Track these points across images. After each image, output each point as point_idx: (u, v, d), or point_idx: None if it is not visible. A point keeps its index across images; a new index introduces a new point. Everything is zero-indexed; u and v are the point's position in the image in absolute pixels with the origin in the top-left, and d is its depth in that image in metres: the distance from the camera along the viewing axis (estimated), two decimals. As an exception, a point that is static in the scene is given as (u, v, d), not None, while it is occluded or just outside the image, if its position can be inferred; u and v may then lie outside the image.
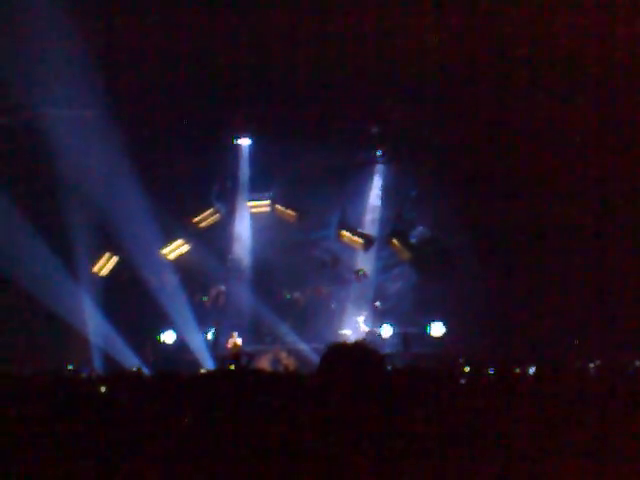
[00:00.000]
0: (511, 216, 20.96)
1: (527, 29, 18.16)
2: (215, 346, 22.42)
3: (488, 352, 19.04)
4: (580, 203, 20.26)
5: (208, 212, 22.97)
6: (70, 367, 19.29)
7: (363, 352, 3.37)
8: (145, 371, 14.71)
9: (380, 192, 23.60)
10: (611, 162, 19.38)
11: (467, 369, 13.32)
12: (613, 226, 19.89)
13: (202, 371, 16.89)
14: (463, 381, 8.38)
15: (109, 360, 20.82)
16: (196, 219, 22.78)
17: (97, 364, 20.75)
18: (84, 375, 13.94)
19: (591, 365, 12.79)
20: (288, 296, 23.28)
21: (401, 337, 22.53)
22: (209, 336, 22.64)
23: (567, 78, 18.81)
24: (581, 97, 18.92)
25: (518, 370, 10.85)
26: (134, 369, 18.01)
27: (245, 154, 23.34)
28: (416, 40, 19.01)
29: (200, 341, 22.34)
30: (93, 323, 21.32)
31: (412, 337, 22.54)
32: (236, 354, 20.49)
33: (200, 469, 4.52)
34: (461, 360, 16.33)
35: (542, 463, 5.26)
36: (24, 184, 21.01)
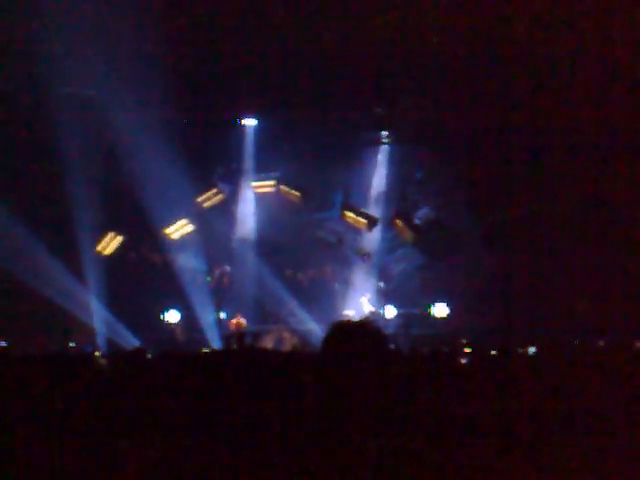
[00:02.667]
0: (516, 197, 20.94)
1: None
2: (220, 326, 22.47)
3: (491, 333, 19.07)
4: (586, 185, 20.21)
5: (212, 192, 22.97)
6: (72, 344, 19.37)
7: (366, 331, 3.37)
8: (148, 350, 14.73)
9: (385, 173, 23.56)
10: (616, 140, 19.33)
11: (469, 350, 13.37)
12: (618, 208, 19.84)
13: (204, 350, 16.94)
14: (464, 361, 8.40)
15: (112, 339, 20.90)
16: (200, 199, 22.78)
17: (100, 343, 20.82)
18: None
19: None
20: (293, 276, 23.30)
21: (402, 318, 22.56)
22: (213, 316, 22.68)
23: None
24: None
25: (521, 350, 10.88)
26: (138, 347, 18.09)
27: (250, 134, 23.30)
28: (423, 19, 18.93)
29: (204, 320, 22.40)
30: (97, 302, 21.37)
31: (415, 318, 22.60)
32: (240, 334, 20.57)
33: (200, 447, 4.54)
34: (464, 341, 16.38)
35: (543, 444, 5.27)
36: (28, 161, 21.01)
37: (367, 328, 3.40)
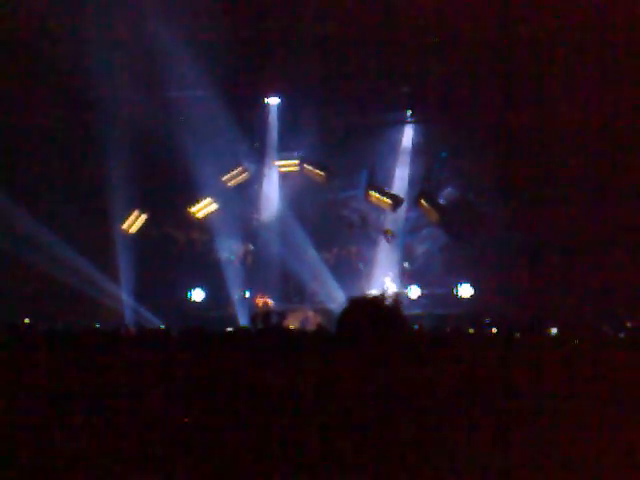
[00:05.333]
0: (542, 176, 20.81)
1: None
2: (245, 304, 22.54)
3: (516, 314, 19.00)
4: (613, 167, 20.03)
5: (237, 171, 22.99)
6: (97, 325, 19.50)
7: (381, 308, 3.38)
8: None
9: (409, 153, 23.45)
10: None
11: (494, 330, 13.34)
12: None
13: (228, 329, 16.97)
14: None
15: (138, 318, 21.04)
16: (225, 178, 22.81)
17: (129, 321, 20.97)
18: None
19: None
20: (317, 255, 23.29)
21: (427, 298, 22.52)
22: (238, 294, 22.75)
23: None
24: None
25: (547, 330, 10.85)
26: (162, 326, 18.23)
27: (274, 113, 23.27)
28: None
29: (229, 299, 22.50)
30: (124, 280, 21.52)
31: (439, 298, 22.57)
32: (266, 312, 20.62)
33: (219, 424, 4.57)
34: (488, 321, 16.32)
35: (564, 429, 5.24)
36: (58, 141, 21.15)
37: (380, 304, 3.42)
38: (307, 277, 22.60)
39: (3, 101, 20.32)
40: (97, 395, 4.99)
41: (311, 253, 22.87)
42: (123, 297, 21.49)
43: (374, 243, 23.58)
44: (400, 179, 23.44)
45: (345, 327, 3.42)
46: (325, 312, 21.85)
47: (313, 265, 22.75)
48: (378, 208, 23.30)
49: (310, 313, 22.22)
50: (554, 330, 10.69)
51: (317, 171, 22.95)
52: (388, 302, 3.63)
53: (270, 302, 22.17)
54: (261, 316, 20.13)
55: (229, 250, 23.31)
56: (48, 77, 20.44)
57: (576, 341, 7.14)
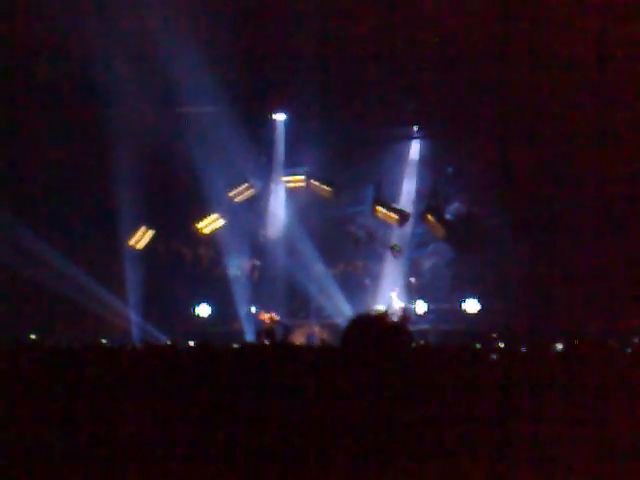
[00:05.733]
0: (548, 194, 20.80)
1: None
2: (250, 320, 22.54)
3: (522, 330, 18.96)
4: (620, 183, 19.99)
5: (243, 187, 23.02)
6: (104, 340, 19.49)
7: (385, 325, 3.38)
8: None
9: (416, 168, 23.48)
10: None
11: (502, 345, 13.30)
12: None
13: (234, 345, 16.95)
14: (495, 357, 8.34)
15: (145, 334, 21.05)
16: (231, 193, 22.85)
17: (135, 337, 20.97)
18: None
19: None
20: (324, 271, 23.27)
21: (434, 314, 22.47)
22: (244, 310, 22.75)
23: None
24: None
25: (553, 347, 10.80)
26: (168, 342, 18.22)
27: (281, 129, 23.33)
28: (454, 15, 18.85)
29: (235, 315, 22.50)
30: (130, 296, 21.53)
31: (446, 314, 22.52)
32: (271, 329, 20.65)
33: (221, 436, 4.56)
34: (494, 336, 16.29)
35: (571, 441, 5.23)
36: (64, 156, 21.23)
37: (385, 321, 3.41)
38: (313, 292, 22.60)
39: (10, 115, 20.44)
40: (101, 415, 4.99)
41: (318, 268, 22.86)
42: (129, 313, 21.49)
43: (380, 258, 23.58)
44: (407, 194, 23.45)
45: (349, 343, 3.42)
46: (331, 327, 21.83)
47: (319, 280, 22.74)
48: (385, 223, 23.30)
49: (316, 328, 22.21)
50: (559, 346, 10.66)
51: (324, 187, 22.98)
52: (395, 318, 3.64)
53: (276, 317, 22.17)
54: (266, 332, 20.19)
55: (236, 266, 23.32)
56: (56, 91, 20.55)
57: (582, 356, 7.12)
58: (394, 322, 3.42)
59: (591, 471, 4.70)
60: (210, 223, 22.93)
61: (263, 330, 20.75)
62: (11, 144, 20.89)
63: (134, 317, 21.50)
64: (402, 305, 22.59)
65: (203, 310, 22.85)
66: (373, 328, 3.40)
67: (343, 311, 21.89)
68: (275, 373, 5.39)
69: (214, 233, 23.00)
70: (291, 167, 23.39)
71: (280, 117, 23.19)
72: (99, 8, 18.54)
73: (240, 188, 22.97)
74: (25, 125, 20.71)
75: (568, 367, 5.93)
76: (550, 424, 5.11)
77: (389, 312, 3.75)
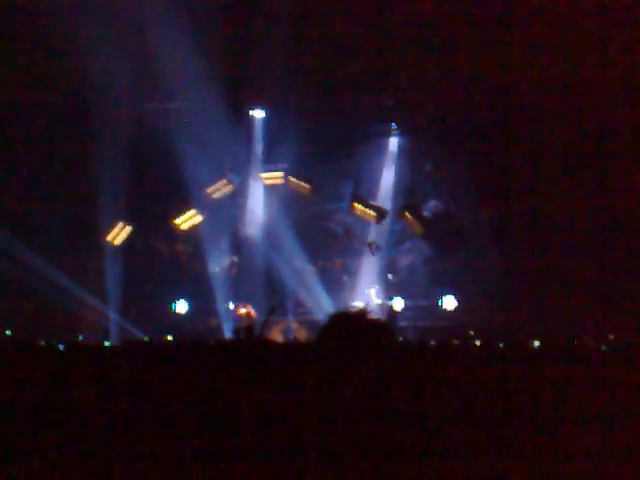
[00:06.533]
0: (524, 191, 20.88)
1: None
2: (228, 316, 22.51)
3: (499, 326, 19.05)
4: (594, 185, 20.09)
5: (221, 183, 22.97)
6: (80, 338, 19.42)
7: (363, 322, 3.38)
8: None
9: (394, 165, 23.50)
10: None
11: (478, 342, 13.37)
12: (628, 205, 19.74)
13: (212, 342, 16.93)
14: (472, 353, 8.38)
15: (122, 330, 20.98)
16: (209, 189, 22.79)
17: (113, 334, 20.90)
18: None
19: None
20: (301, 267, 23.27)
21: (387, 310, 22.49)
22: (222, 306, 22.71)
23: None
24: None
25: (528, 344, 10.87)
26: (145, 339, 18.17)
27: (259, 126, 23.30)
28: (432, 10, 18.88)
29: (213, 311, 22.46)
30: (107, 293, 21.44)
31: (423, 310, 22.58)
32: (249, 325, 20.59)
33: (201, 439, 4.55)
34: (472, 333, 16.36)
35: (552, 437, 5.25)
36: (44, 150, 21.09)
37: (363, 319, 3.41)
38: (291, 289, 22.59)
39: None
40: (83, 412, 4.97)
41: (295, 265, 22.85)
42: (106, 310, 21.40)
43: (358, 255, 23.60)
44: (384, 191, 23.48)
45: (325, 341, 3.41)
46: (309, 323, 21.85)
47: (297, 277, 22.74)
48: (362, 220, 23.33)
49: (294, 324, 22.21)
50: (536, 343, 10.72)
51: (302, 183, 22.97)
52: (381, 316, 3.64)
53: (253, 313, 22.15)
54: (244, 328, 20.16)
55: (213, 262, 23.27)
56: (39, 83, 20.41)
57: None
58: (376, 319, 3.42)
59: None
60: (188, 219, 22.87)
61: (241, 327, 20.71)
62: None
63: (111, 314, 21.41)
64: (380, 302, 22.64)
65: (181, 306, 22.79)
66: (353, 325, 3.40)
67: (321, 307, 21.90)
68: (251, 368, 5.39)
69: (192, 229, 22.94)
70: (269, 163, 23.36)
71: (258, 114, 23.15)
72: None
73: (218, 184, 22.91)
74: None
75: (543, 365, 5.97)
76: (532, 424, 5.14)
77: (369, 309, 3.74)
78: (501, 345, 10.16)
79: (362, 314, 3.47)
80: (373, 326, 3.41)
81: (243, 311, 22.24)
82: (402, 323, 21.52)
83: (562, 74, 18.96)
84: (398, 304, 22.73)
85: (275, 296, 22.77)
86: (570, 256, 20.13)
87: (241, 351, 6.08)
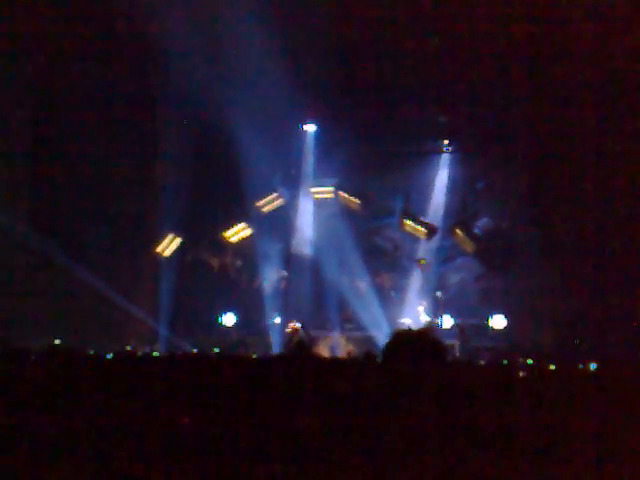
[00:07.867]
0: (578, 212, 20.60)
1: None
2: (276, 330, 22.50)
3: (550, 347, 18.76)
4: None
5: (272, 197, 23.03)
6: (129, 348, 19.55)
7: (426, 341, 3.32)
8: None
9: (445, 182, 23.38)
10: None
11: (529, 361, 13.15)
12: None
13: (254, 356, 16.93)
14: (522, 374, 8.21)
15: (171, 342, 21.06)
16: (259, 203, 22.85)
17: (161, 345, 20.99)
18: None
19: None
20: (350, 283, 23.18)
21: (457, 328, 22.25)
22: (270, 320, 22.71)
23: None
24: None
25: (581, 366, 10.64)
26: (194, 351, 18.22)
27: (310, 140, 23.35)
28: (486, 30, 18.76)
29: (260, 324, 22.47)
30: (156, 304, 21.56)
31: (472, 329, 22.33)
32: (299, 341, 20.54)
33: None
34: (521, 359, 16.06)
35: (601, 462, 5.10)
36: (89, 165, 21.29)
37: (427, 338, 3.35)
38: (339, 304, 22.50)
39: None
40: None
41: (344, 280, 22.78)
42: (155, 321, 21.50)
43: (407, 271, 23.47)
44: (435, 208, 23.35)
45: (390, 359, 3.35)
46: (357, 339, 21.74)
47: (346, 292, 22.66)
48: (412, 237, 23.20)
49: (341, 340, 22.11)
50: (593, 365, 10.49)
51: (352, 198, 22.93)
52: (432, 336, 3.57)
53: (298, 328, 22.10)
54: (294, 344, 20.11)
55: (262, 275, 23.31)
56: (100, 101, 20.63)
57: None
58: (435, 339, 3.36)
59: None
60: (237, 232, 22.95)
61: (292, 342, 20.67)
62: (40, 143, 21.00)
63: (159, 325, 21.51)
64: (428, 319, 22.44)
65: (228, 319, 22.83)
66: (418, 344, 3.34)
67: (369, 324, 21.77)
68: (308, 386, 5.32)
69: (241, 242, 23.01)
70: (320, 178, 23.37)
71: (310, 128, 23.21)
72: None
73: (268, 198, 22.97)
74: (56, 125, 20.79)
75: (599, 386, 5.80)
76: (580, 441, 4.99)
77: (425, 328, 3.69)
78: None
79: (425, 333, 3.41)
80: (437, 345, 3.35)
81: (292, 325, 22.21)
82: (451, 341, 21.26)
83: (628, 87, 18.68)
84: (447, 322, 22.52)
85: (322, 311, 22.74)
86: (625, 277, 19.76)
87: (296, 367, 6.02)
